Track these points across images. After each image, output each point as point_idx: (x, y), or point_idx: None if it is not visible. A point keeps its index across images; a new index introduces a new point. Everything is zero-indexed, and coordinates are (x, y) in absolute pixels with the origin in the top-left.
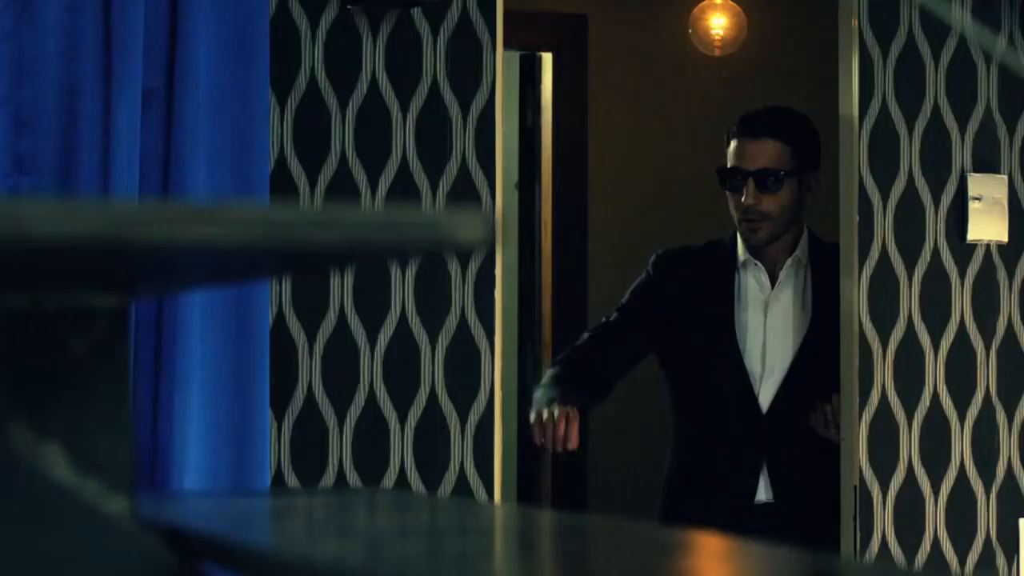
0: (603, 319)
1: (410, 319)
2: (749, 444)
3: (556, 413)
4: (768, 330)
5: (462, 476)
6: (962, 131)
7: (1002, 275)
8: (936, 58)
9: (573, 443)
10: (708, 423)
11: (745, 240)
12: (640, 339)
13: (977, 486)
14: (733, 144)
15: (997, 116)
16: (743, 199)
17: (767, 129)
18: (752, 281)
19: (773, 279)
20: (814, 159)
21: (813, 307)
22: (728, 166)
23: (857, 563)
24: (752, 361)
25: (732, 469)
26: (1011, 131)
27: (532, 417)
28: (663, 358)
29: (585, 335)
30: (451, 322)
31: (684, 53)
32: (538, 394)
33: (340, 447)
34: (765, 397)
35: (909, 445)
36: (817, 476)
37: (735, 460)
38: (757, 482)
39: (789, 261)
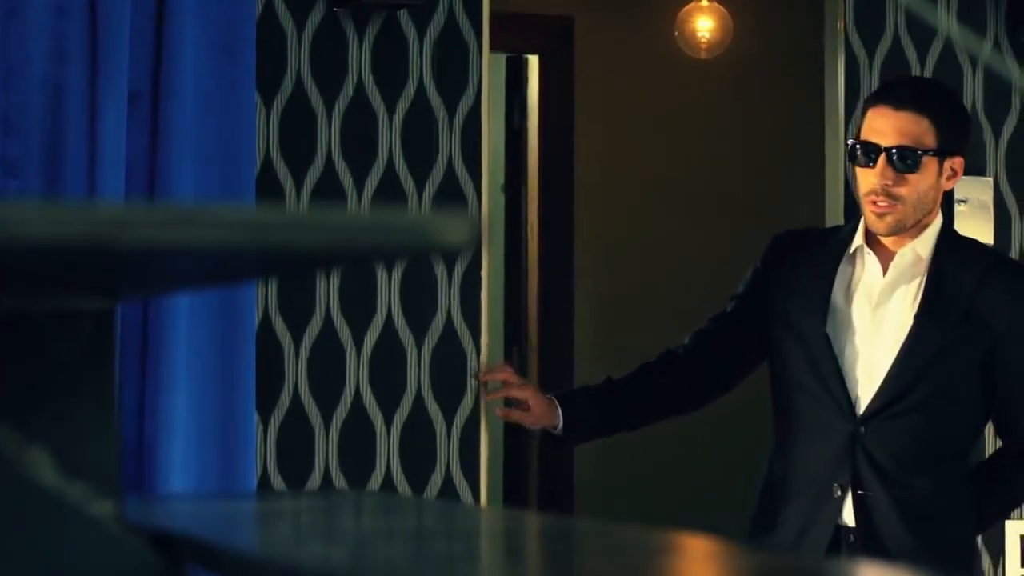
0: (723, 310)
1: (396, 321)
2: (838, 459)
3: (513, 380)
4: (873, 330)
5: (448, 478)
6: None
7: None
8: (922, 61)
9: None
10: (801, 427)
11: (870, 225)
12: (743, 339)
13: None
14: (869, 113)
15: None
16: (875, 178)
17: (912, 100)
18: (863, 272)
19: (886, 271)
20: (960, 143)
21: (920, 309)
22: (860, 139)
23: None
24: (851, 365)
25: (816, 498)
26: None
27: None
28: (769, 356)
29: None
30: (437, 324)
31: (670, 55)
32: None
33: (326, 449)
34: (863, 406)
35: None
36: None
37: (822, 482)
38: (840, 510)
39: (907, 252)
